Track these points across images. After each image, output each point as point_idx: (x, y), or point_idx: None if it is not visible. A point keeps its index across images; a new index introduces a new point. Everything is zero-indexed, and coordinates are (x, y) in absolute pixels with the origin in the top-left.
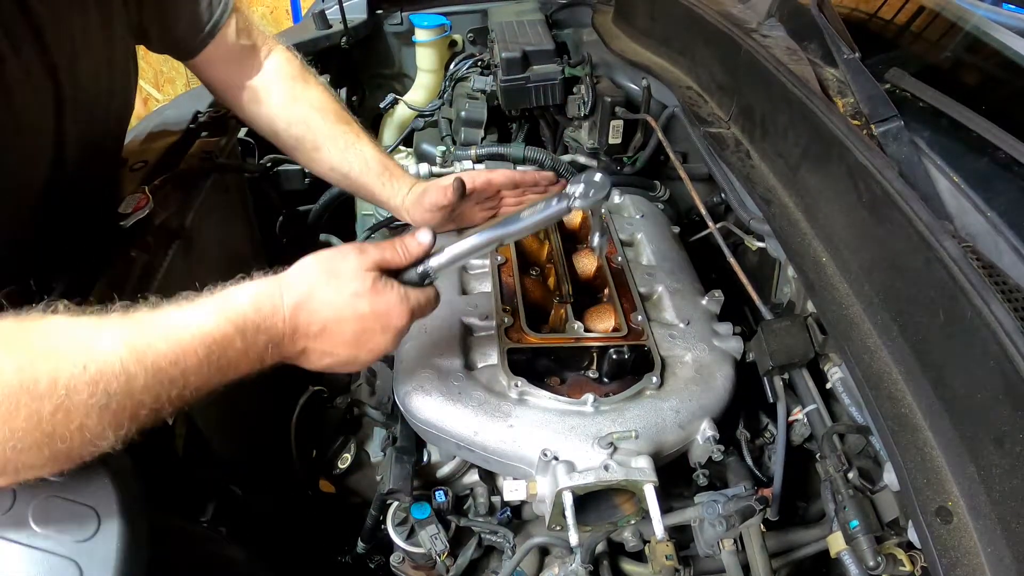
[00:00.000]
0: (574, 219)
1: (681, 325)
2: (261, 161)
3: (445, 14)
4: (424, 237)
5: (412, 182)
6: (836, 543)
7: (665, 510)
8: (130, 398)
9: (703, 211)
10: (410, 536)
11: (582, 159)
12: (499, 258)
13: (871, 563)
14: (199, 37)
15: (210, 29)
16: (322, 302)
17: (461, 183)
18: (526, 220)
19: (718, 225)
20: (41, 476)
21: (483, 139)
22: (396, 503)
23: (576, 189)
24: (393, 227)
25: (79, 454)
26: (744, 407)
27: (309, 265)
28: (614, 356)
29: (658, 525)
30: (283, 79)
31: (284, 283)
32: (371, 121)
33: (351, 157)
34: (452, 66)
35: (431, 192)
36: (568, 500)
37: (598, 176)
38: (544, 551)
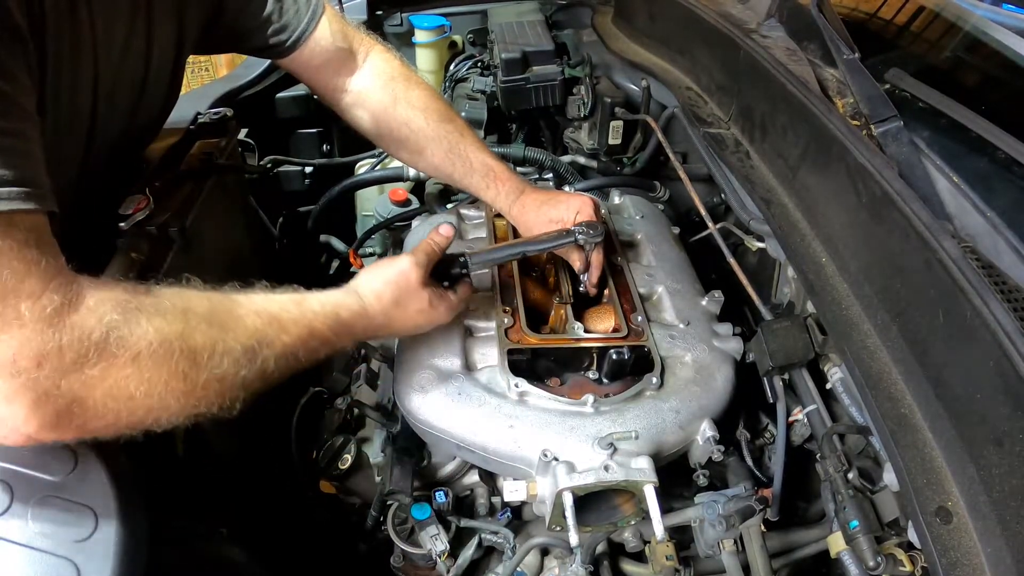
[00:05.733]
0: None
1: (681, 326)
2: (261, 162)
3: (445, 15)
4: (445, 230)
5: (519, 188)
6: (836, 543)
7: (665, 510)
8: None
9: (703, 212)
10: (410, 537)
11: (582, 160)
12: None
13: (871, 563)
14: (285, 44)
15: (295, 39)
16: (396, 318)
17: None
18: (541, 244)
19: (718, 226)
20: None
21: (483, 140)
22: (396, 504)
23: (578, 229)
24: (393, 228)
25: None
26: (744, 407)
27: (382, 289)
28: (614, 357)
29: (658, 526)
30: (383, 81)
31: (369, 312)
32: None
33: (455, 158)
34: (452, 67)
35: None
36: (568, 500)
37: (598, 227)
38: (544, 551)
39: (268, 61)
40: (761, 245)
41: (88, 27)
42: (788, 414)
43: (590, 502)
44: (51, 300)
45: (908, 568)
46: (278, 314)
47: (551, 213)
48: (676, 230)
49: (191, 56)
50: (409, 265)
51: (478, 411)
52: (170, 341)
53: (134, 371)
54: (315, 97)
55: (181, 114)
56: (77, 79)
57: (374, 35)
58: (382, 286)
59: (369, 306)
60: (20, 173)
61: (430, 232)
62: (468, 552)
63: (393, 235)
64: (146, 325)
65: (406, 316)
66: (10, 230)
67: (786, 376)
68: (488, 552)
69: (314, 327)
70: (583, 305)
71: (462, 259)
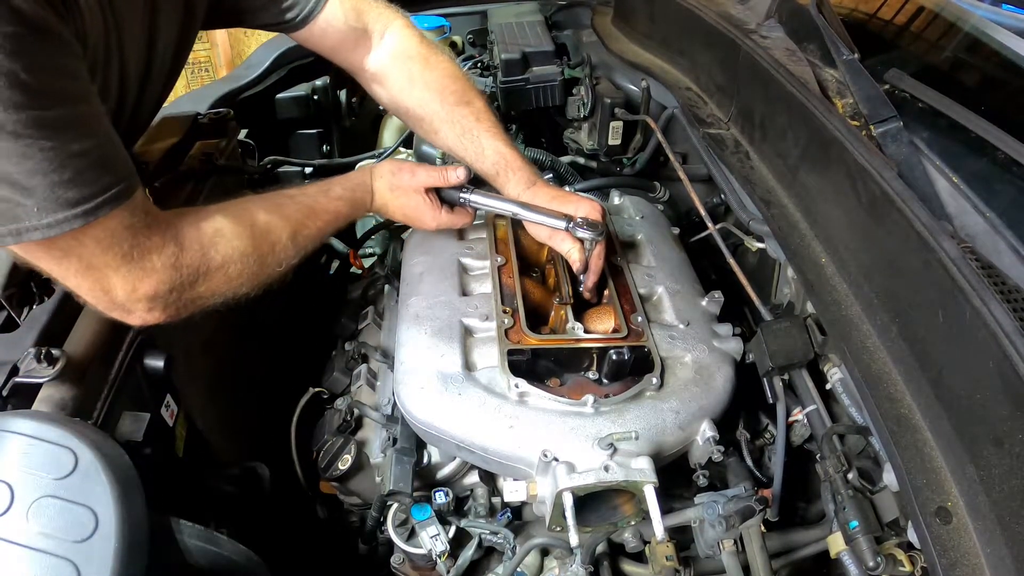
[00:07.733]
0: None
1: (681, 326)
2: (261, 163)
3: (445, 15)
4: (461, 173)
5: (530, 179)
6: (836, 543)
7: (665, 511)
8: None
9: (703, 212)
10: (410, 537)
11: (582, 160)
12: (499, 259)
13: (871, 563)
14: (295, 20)
15: (304, 16)
16: (389, 202)
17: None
18: (536, 213)
19: (718, 226)
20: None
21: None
22: (396, 504)
23: (579, 220)
24: (393, 227)
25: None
26: (744, 408)
27: (384, 177)
28: (614, 357)
29: (658, 526)
30: (400, 61)
31: (375, 189)
32: (371, 123)
33: (467, 143)
34: None
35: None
36: (568, 501)
37: (598, 226)
38: (545, 552)
39: (268, 61)
40: (761, 245)
41: (112, 21)
42: (788, 414)
43: (590, 502)
44: (172, 251)
45: (908, 568)
46: (312, 206)
47: (561, 208)
48: (676, 230)
49: (191, 57)
50: (411, 171)
51: (478, 411)
52: (246, 255)
53: (224, 279)
54: (316, 98)
55: (181, 114)
56: (108, 74)
57: (395, 8)
58: (387, 175)
59: (375, 183)
60: (123, 169)
61: (450, 167)
62: (468, 552)
63: (393, 235)
64: (228, 247)
65: (396, 204)
66: (135, 211)
67: (786, 376)
68: (488, 552)
69: (339, 210)
70: (583, 306)
71: (465, 189)
